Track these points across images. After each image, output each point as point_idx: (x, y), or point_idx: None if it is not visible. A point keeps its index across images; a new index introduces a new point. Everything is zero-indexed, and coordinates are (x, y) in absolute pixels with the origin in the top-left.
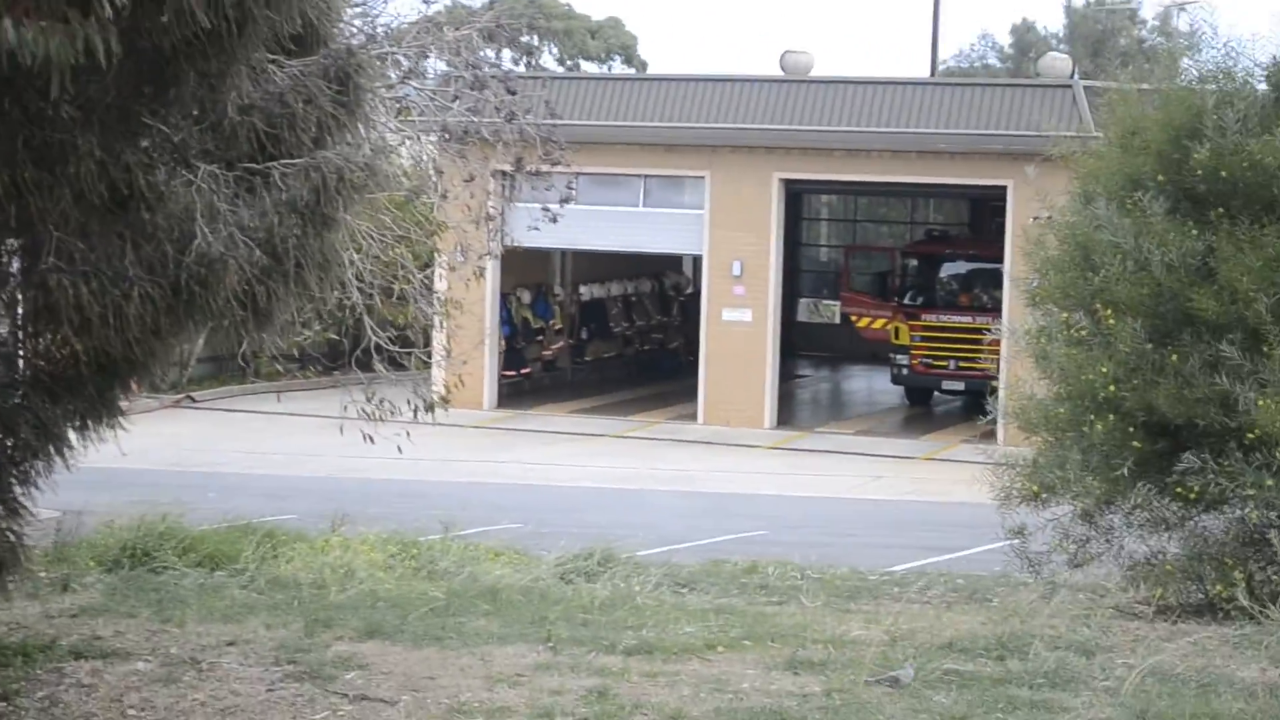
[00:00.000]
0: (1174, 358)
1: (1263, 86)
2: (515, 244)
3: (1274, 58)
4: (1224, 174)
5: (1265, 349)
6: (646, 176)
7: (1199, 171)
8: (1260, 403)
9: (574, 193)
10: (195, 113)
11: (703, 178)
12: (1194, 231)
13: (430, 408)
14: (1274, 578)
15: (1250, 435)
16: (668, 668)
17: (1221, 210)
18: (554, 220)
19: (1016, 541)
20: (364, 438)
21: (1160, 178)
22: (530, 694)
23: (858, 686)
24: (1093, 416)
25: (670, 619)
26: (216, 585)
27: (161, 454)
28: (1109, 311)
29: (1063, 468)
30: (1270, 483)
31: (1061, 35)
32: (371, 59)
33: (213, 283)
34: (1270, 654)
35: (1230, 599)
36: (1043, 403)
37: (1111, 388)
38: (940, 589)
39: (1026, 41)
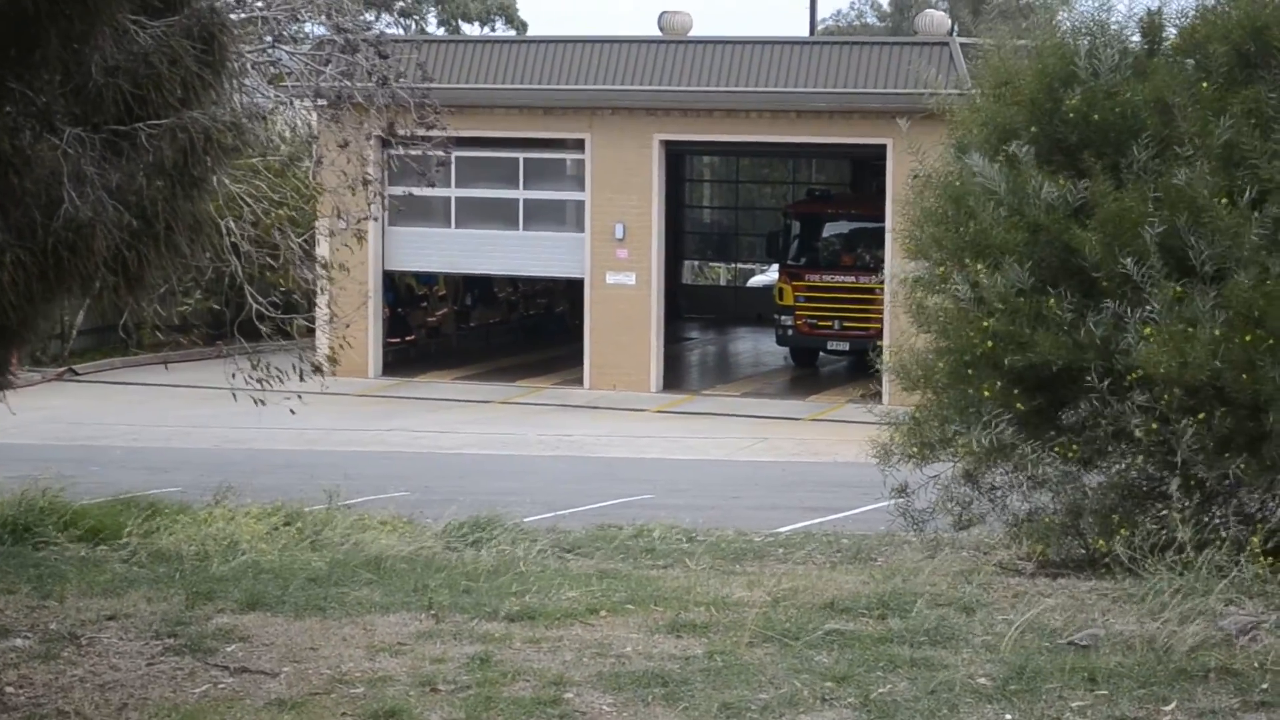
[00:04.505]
0: (1051, 302)
1: (1135, 38)
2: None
3: (1147, 10)
4: (1096, 118)
5: (1146, 291)
6: (526, 200)
7: (1070, 116)
8: (1146, 331)
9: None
10: (59, 75)
11: (583, 141)
12: (1062, 181)
13: (317, 369)
14: (1153, 531)
15: (1132, 376)
16: (550, 633)
17: (1095, 158)
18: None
19: (900, 501)
20: (255, 403)
21: (1033, 128)
22: (412, 662)
23: (739, 648)
24: (971, 372)
25: (554, 584)
26: (98, 559)
27: (43, 428)
28: (980, 266)
29: (943, 426)
30: (1155, 426)
31: None
32: (231, 20)
33: (82, 247)
34: (1148, 607)
35: (1108, 552)
36: (923, 359)
37: (989, 344)
38: (825, 549)
39: (904, 0)
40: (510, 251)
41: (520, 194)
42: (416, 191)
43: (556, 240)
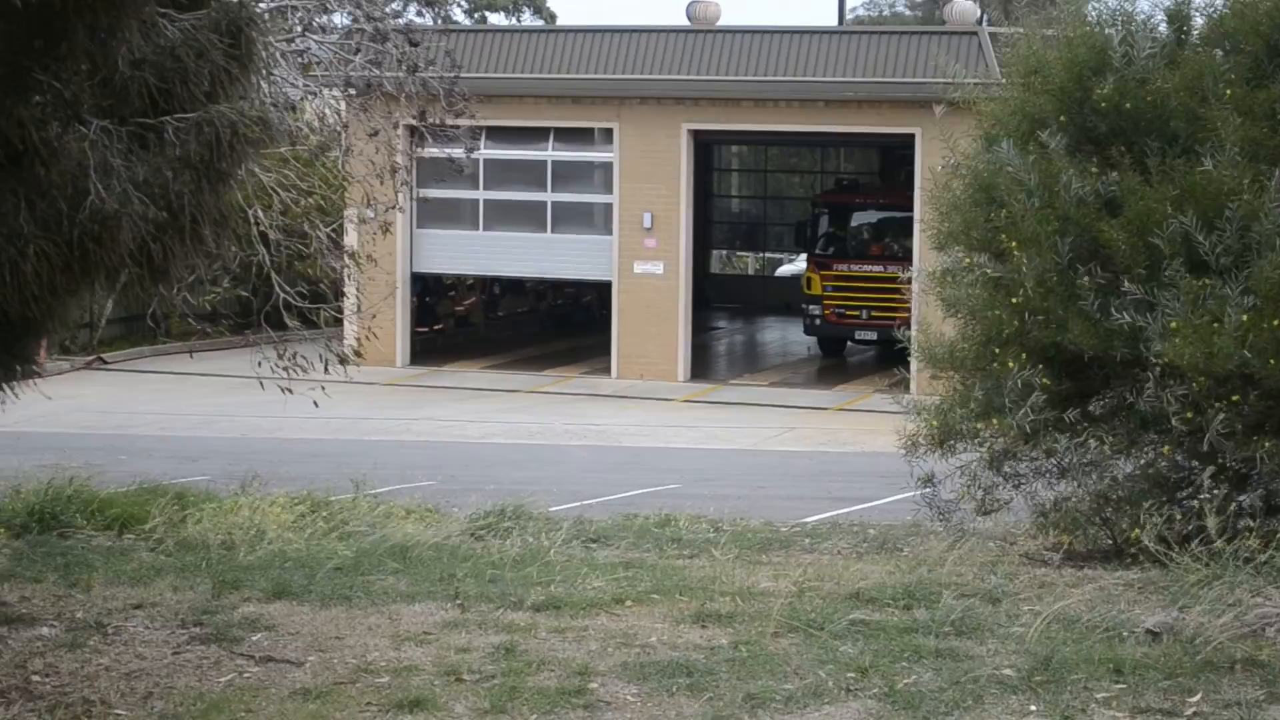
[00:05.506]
0: (1084, 280)
1: (1163, 28)
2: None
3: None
4: (1128, 107)
5: (1169, 281)
6: (554, 203)
7: (1102, 105)
8: (1173, 325)
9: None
10: (86, 68)
11: (611, 130)
12: (1094, 170)
13: (343, 360)
14: (1180, 521)
15: (1159, 362)
16: (576, 623)
17: (1124, 147)
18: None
19: (927, 490)
20: (282, 392)
21: (1062, 118)
22: (438, 652)
23: (764, 638)
24: (998, 351)
25: (579, 574)
26: (125, 548)
27: (72, 416)
28: (1014, 244)
29: (967, 406)
30: (1191, 415)
31: None
32: (260, 13)
33: (107, 239)
34: (1174, 597)
35: (1136, 542)
36: (949, 339)
37: (1016, 323)
38: (851, 539)
39: None
40: (538, 254)
41: (548, 197)
42: (445, 192)
43: (584, 243)
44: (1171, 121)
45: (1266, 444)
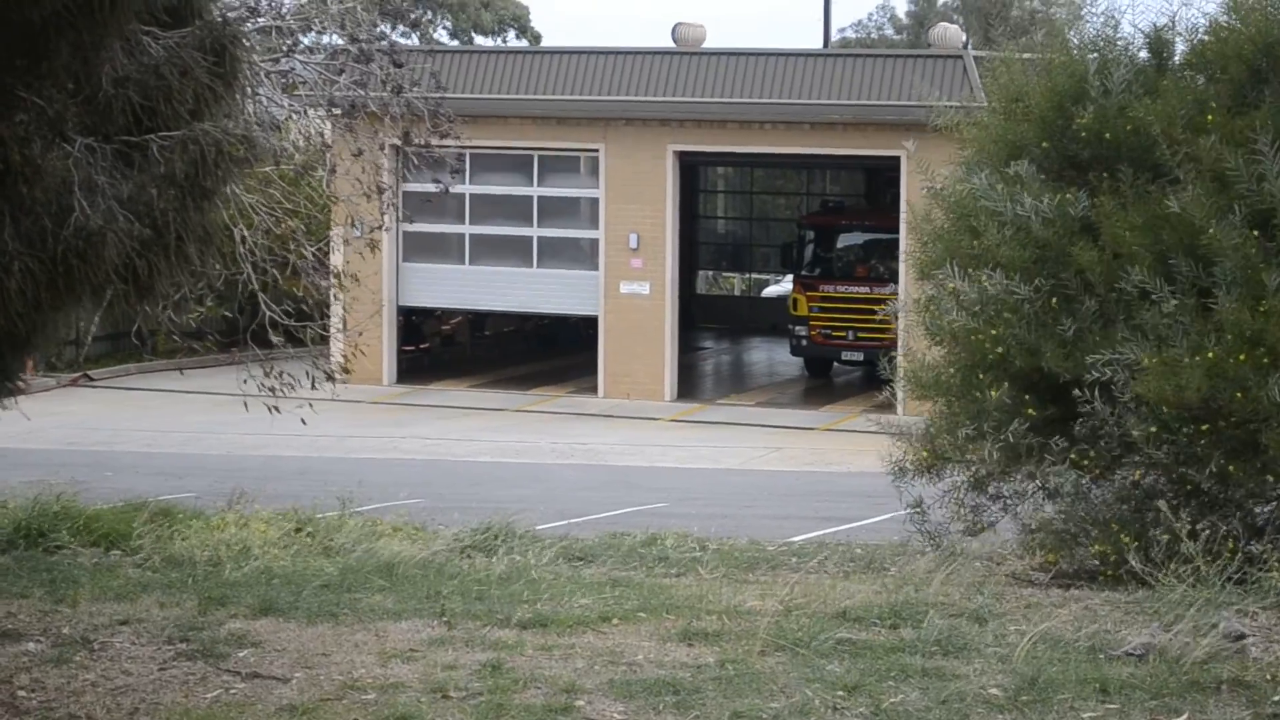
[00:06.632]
0: (1054, 301)
1: (1143, 54)
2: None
3: (1154, 24)
4: (1107, 137)
5: (1145, 306)
6: (540, 238)
7: (1082, 134)
8: (1145, 360)
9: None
10: (70, 86)
11: (596, 152)
12: (1071, 195)
13: (330, 377)
14: (1163, 541)
15: (1124, 397)
16: (562, 641)
17: (1105, 173)
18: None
19: (915, 513)
20: (269, 410)
21: (1044, 144)
22: (424, 669)
23: (751, 657)
24: (981, 376)
25: (566, 592)
26: (111, 564)
27: (58, 433)
28: (982, 275)
29: (954, 432)
30: (1156, 431)
31: (957, 7)
32: (245, 31)
33: (92, 256)
34: (1156, 612)
35: (1118, 563)
36: (934, 366)
37: (1000, 350)
38: (838, 559)
39: (924, 12)
40: (524, 289)
41: (534, 232)
42: (431, 226)
43: (570, 278)
44: (1155, 149)
45: (1229, 464)
